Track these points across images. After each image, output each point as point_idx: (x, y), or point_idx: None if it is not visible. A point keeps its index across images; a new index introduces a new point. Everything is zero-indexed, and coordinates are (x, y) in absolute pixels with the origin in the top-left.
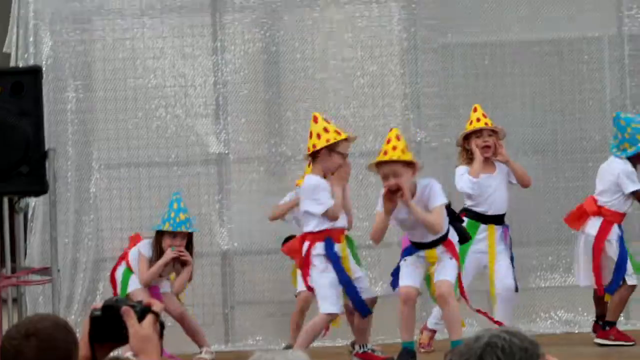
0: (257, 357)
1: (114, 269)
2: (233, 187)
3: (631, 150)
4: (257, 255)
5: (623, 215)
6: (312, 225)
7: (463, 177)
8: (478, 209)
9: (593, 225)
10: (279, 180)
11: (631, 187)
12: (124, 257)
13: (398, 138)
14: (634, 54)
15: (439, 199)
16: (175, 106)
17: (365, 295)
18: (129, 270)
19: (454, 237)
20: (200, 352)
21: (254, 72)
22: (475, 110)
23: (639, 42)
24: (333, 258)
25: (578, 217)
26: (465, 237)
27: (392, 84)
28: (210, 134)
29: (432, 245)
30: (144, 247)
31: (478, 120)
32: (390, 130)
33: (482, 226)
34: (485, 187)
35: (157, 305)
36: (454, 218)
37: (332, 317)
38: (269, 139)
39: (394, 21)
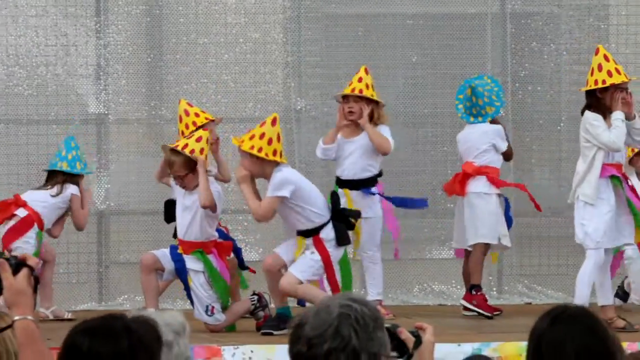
0: (134, 315)
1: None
2: (111, 147)
3: (492, 111)
4: (133, 216)
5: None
6: None
7: (319, 142)
8: (336, 173)
9: (474, 184)
10: (158, 142)
11: (504, 146)
12: (29, 222)
13: (264, 126)
14: (515, 32)
15: (271, 191)
16: (57, 65)
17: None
18: (41, 232)
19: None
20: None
21: (137, 35)
22: (357, 72)
23: (521, 20)
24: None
25: (460, 183)
26: (342, 239)
27: (275, 51)
28: (90, 94)
29: (301, 234)
30: (77, 190)
31: (350, 84)
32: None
33: (340, 190)
34: (341, 151)
35: (31, 260)
36: (337, 217)
37: None
38: (149, 101)
39: None
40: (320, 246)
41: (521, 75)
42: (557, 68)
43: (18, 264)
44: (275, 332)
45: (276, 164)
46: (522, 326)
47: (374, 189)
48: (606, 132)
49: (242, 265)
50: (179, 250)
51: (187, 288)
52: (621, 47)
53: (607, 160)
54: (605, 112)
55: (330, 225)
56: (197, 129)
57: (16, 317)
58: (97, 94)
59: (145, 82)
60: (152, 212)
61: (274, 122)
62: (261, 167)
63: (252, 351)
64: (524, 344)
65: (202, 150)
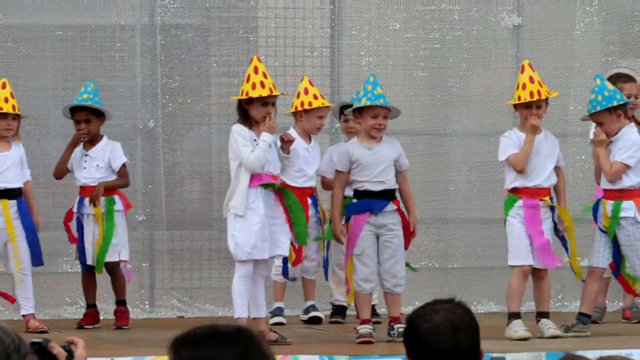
0: None
1: None
2: None
3: None
4: None
5: None
6: None
7: None
8: None
9: None
10: None
11: None
12: None
13: None
14: (165, 44)
15: None
16: None
17: None
18: None
19: None
20: None
21: None
22: None
23: (170, 31)
24: None
25: None
26: None
27: None
28: None
29: None
30: None
31: None
32: None
33: None
34: None
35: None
36: None
37: None
38: None
39: None
40: None
41: (171, 87)
42: (206, 80)
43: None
44: None
45: None
46: None
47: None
48: (247, 150)
49: None
50: None
51: None
52: (270, 59)
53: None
54: (252, 123)
55: None
56: None
57: None
58: None
59: None
60: None
61: None
62: None
63: None
64: None
65: None
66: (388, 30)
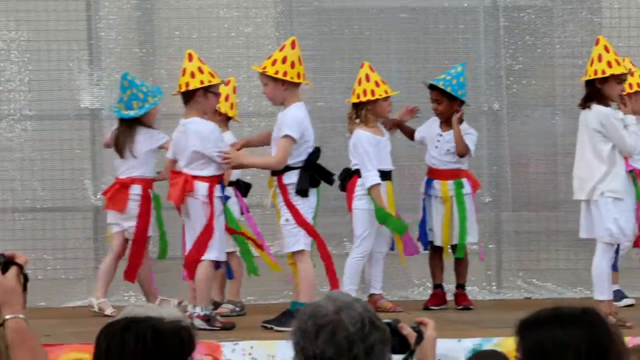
0: (129, 310)
1: None
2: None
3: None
4: None
5: None
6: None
7: None
8: None
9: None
10: None
11: None
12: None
13: (284, 49)
14: (508, 25)
15: (288, 130)
16: (50, 61)
17: None
18: None
19: None
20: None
21: (128, 29)
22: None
23: (513, 13)
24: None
25: None
26: (300, 187)
27: (267, 46)
28: (83, 89)
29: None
30: None
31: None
32: None
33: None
34: None
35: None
36: (308, 168)
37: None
38: None
39: None
40: (283, 189)
41: (515, 68)
42: (550, 61)
43: (7, 262)
44: (276, 328)
45: (297, 85)
46: None
47: None
48: (627, 135)
49: None
50: None
51: None
52: (614, 40)
53: None
54: (607, 103)
55: (296, 172)
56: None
57: (7, 316)
58: (90, 88)
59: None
60: None
61: (293, 44)
62: (283, 93)
63: (252, 347)
64: None
65: None
66: None
